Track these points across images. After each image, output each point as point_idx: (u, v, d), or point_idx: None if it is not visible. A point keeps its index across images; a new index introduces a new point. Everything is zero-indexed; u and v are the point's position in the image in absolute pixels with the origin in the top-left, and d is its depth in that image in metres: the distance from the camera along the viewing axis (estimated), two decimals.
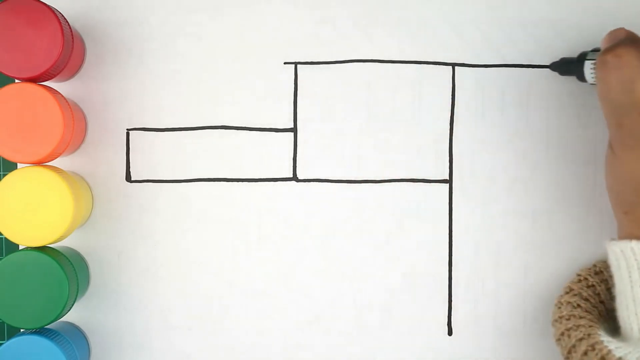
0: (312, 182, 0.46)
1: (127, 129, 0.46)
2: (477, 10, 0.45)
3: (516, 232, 0.45)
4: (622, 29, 0.39)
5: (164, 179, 0.46)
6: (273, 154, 0.46)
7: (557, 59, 0.44)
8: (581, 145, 0.45)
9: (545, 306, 0.45)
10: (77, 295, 0.43)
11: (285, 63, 0.46)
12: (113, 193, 0.46)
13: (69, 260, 0.43)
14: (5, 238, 0.44)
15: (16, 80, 0.42)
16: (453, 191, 0.46)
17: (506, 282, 0.46)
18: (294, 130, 0.46)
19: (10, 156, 0.41)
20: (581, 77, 0.43)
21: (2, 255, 0.46)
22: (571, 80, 0.45)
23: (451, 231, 0.46)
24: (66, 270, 0.41)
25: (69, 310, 0.43)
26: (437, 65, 0.46)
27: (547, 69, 0.45)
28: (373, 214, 0.46)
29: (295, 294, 0.46)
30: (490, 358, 0.46)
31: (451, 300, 0.46)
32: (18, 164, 0.45)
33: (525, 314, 0.46)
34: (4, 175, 0.43)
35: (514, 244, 0.45)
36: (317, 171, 0.46)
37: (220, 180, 0.46)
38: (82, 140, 0.46)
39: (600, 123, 0.45)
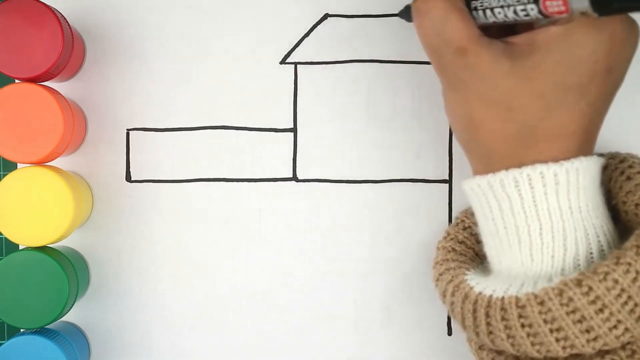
0: (312, 182, 0.46)
1: (127, 129, 0.46)
2: None
3: None
4: None
5: (164, 179, 0.46)
6: (273, 154, 0.46)
7: None
8: None
9: None
10: (77, 295, 0.43)
11: (285, 63, 0.46)
12: (113, 193, 0.46)
13: (69, 260, 0.43)
14: (5, 238, 0.44)
15: (16, 80, 0.42)
16: (453, 191, 0.46)
17: None
18: (294, 130, 0.46)
19: (10, 156, 0.41)
20: None
21: (2, 255, 0.46)
22: None
23: None
24: (66, 270, 0.41)
25: (69, 310, 0.43)
26: None
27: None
28: (373, 214, 0.46)
29: (295, 294, 0.46)
30: None
31: None
32: (18, 164, 0.45)
33: None
34: (4, 175, 0.43)
35: None
36: (317, 171, 0.46)
37: (220, 180, 0.46)
38: (82, 140, 0.46)
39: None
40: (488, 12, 0.36)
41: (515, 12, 0.35)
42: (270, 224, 0.46)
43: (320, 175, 0.46)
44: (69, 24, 0.42)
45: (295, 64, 0.46)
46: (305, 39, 0.46)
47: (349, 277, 0.46)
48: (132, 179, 0.46)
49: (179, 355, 0.46)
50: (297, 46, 0.46)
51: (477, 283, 0.37)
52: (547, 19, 0.34)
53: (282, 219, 0.46)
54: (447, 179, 0.46)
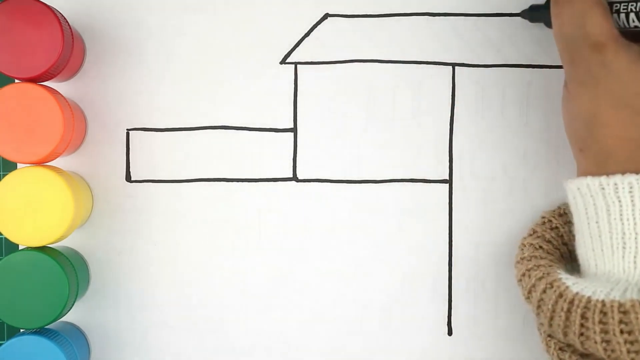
0: (312, 182, 0.46)
1: (127, 129, 0.46)
2: (478, 10, 0.45)
3: (516, 232, 0.45)
4: None
5: (164, 179, 0.46)
6: (273, 154, 0.46)
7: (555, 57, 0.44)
8: None
9: None
10: (77, 295, 0.43)
11: (285, 63, 0.46)
12: (113, 193, 0.46)
13: (69, 260, 0.43)
14: (5, 238, 0.44)
15: (16, 80, 0.42)
16: (453, 191, 0.46)
17: (506, 282, 0.46)
18: (294, 130, 0.46)
19: (10, 156, 0.41)
20: (548, 23, 0.42)
21: (2, 255, 0.46)
22: None
23: (451, 231, 0.46)
24: (66, 270, 0.41)
25: (69, 310, 0.43)
26: (437, 65, 0.46)
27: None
28: (373, 214, 0.46)
29: (295, 294, 0.46)
30: (490, 358, 0.46)
31: (451, 300, 0.46)
32: (18, 164, 0.45)
33: (524, 314, 0.46)
34: (4, 175, 0.43)
35: (514, 244, 0.45)
36: (317, 171, 0.46)
37: (220, 180, 0.46)
38: (82, 140, 0.46)
39: None
40: (632, 15, 0.35)
41: None
42: (270, 224, 0.46)
43: (320, 175, 0.46)
44: (69, 24, 0.42)
45: (295, 64, 0.46)
46: (305, 39, 0.46)
47: (349, 277, 0.46)
48: (132, 179, 0.46)
49: (178, 356, 0.46)
50: (297, 46, 0.46)
51: (573, 283, 0.36)
52: None
53: (282, 219, 0.46)
54: (447, 179, 0.46)
